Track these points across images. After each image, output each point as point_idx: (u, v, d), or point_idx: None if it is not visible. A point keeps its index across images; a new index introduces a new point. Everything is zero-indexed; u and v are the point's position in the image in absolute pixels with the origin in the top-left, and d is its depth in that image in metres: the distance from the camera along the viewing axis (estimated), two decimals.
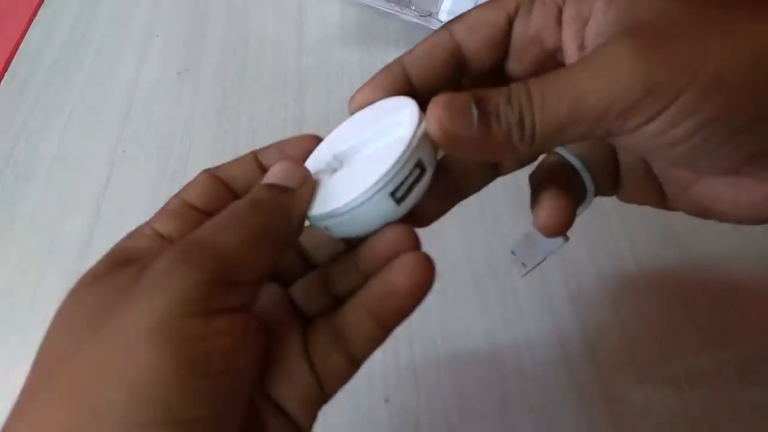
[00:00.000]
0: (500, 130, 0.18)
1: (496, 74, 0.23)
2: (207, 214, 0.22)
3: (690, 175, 0.21)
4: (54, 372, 0.18)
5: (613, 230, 0.40)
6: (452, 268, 0.39)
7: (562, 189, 0.22)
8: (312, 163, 0.23)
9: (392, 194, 0.20)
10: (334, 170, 0.22)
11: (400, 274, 0.21)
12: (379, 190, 0.20)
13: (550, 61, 0.21)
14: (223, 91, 0.50)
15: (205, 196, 0.23)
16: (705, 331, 0.36)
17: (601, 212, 0.41)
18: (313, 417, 0.21)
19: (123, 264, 0.20)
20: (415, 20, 0.50)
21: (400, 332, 0.36)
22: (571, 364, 0.35)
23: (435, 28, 0.51)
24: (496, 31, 0.21)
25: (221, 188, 0.23)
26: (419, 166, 0.20)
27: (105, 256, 0.21)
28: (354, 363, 0.22)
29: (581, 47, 0.20)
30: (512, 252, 0.26)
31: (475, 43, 0.21)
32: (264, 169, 0.23)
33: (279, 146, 0.24)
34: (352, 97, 0.23)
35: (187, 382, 0.16)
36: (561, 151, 0.24)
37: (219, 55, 0.53)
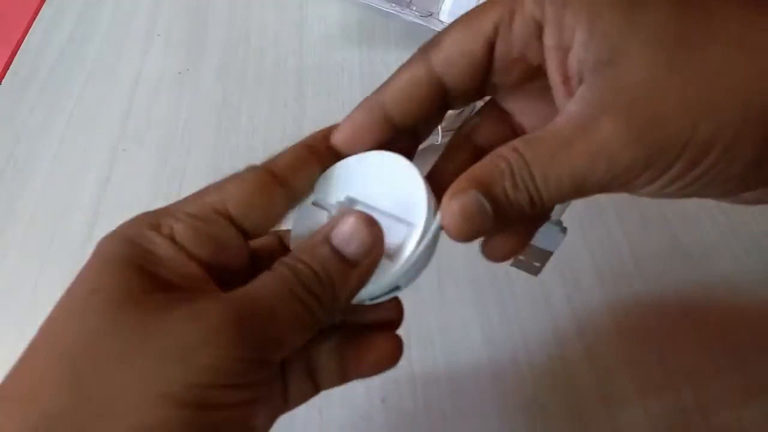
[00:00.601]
0: (514, 213, 0.19)
1: (479, 90, 0.22)
2: (238, 226, 0.21)
3: None
4: (73, 386, 0.17)
5: (611, 232, 0.40)
6: (450, 269, 0.39)
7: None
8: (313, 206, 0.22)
9: (397, 287, 0.21)
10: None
11: (372, 352, 0.23)
12: (391, 291, 0.21)
13: (537, 72, 0.21)
14: (224, 91, 0.50)
15: (247, 203, 0.21)
16: (704, 333, 0.36)
17: (600, 214, 0.41)
18: (271, 425, 0.22)
19: (148, 275, 0.18)
20: (416, 20, 0.50)
21: (398, 332, 0.36)
22: (569, 365, 0.35)
23: (436, 29, 0.51)
24: (476, 59, 0.21)
25: (275, 191, 0.21)
26: (428, 257, 0.21)
27: (117, 246, 0.19)
28: (317, 391, 0.24)
29: (566, 80, 0.20)
30: (515, 263, 0.26)
31: (455, 75, 0.21)
32: (319, 163, 0.22)
33: (327, 133, 0.23)
34: (333, 136, 0.23)
35: None
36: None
37: (220, 54, 0.53)
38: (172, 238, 0.20)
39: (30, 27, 0.56)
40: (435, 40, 0.21)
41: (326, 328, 0.23)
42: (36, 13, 0.58)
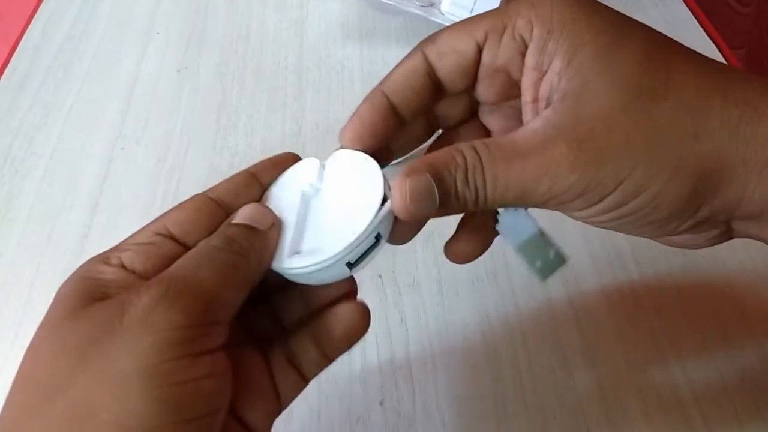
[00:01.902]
0: (458, 205, 0.21)
1: (467, 102, 0.25)
2: (182, 245, 0.22)
3: None
4: (39, 409, 0.18)
5: (611, 233, 0.40)
6: (450, 269, 0.39)
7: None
8: (280, 196, 0.24)
9: (348, 263, 0.23)
10: (300, 214, 0.24)
11: (339, 324, 0.24)
12: (338, 261, 0.22)
13: (516, 89, 0.23)
14: (223, 90, 0.50)
15: (187, 222, 0.23)
16: (704, 336, 0.36)
17: None
18: (270, 427, 0.23)
19: (96, 298, 0.20)
20: (417, 11, 0.50)
21: (397, 334, 0.36)
22: (569, 367, 0.35)
23: (436, 19, 0.51)
24: (465, 59, 0.23)
25: (211, 211, 0.23)
26: (377, 237, 0.23)
27: (69, 285, 0.21)
28: (306, 380, 0.25)
29: (535, 100, 0.22)
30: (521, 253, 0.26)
31: (446, 67, 0.23)
32: (262, 187, 0.24)
33: (271, 162, 0.25)
34: (342, 133, 0.24)
35: (176, 425, 0.18)
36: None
37: (219, 52, 0.53)
38: (120, 266, 0.21)
39: (28, 25, 0.56)
40: (432, 37, 0.23)
41: (296, 320, 0.25)
42: (35, 10, 0.57)
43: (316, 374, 0.25)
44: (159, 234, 0.22)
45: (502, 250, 0.40)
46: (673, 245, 0.23)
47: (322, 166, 0.24)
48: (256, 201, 0.24)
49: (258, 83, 0.51)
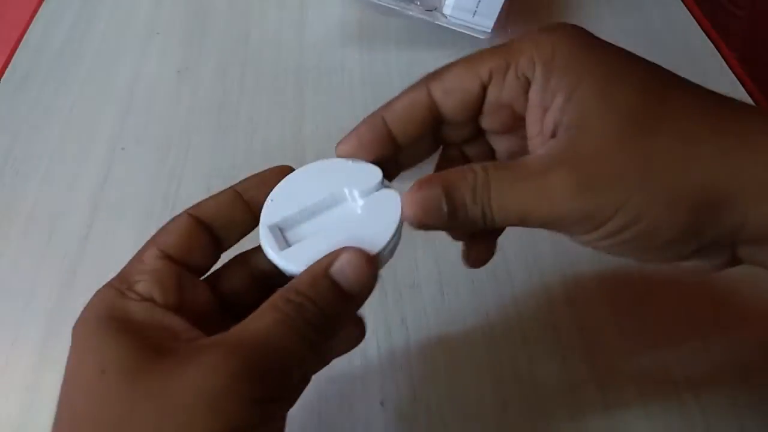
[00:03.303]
0: (467, 220, 0.22)
1: (472, 127, 0.25)
2: (185, 265, 0.23)
3: None
4: None
5: None
6: (449, 270, 0.39)
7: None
8: (283, 199, 0.24)
9: None
10: (304, 218, 0.24)
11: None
12: None
13: (520, 121, 0.24)
14: (223, 90, 0.50)
15: (182, 245, 0.23)
16: (704, 333, 0.36)
17: None
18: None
19: (147, 345, 0.20)
20: (420, 15, 0.50)
21: (397, 334, 0.36)
22: (569, 366, 0.35)
23: (439, 23, 0.51)
24: (471, 96, 0.23)
25: (200, 232, 0.24)
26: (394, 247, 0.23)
27: (105, 333, 0.21)
28: (306, 380, 0.24)
29: (540, 133, 0.23)
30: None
31: (450, 104, 0.24)
32: (246, 203, 0.24)
33: (259, 178, 0.25)
34: (339, 146, 0.24)
35: None
36: None
37: (219, 53, 0.53)
38: (141, 299, 0.22)
39: (29, 25, 0.56)
40: (438, 72, 0.24)
41: None
42: (35, 11, 0.58)
43: (315, 372, 0.25)
44: (160, 258, 0.23)
45: (502, 250, 0.40)
46: (682, 271, 0.24)
47: (382, 184, 0.24)
48: (240, 221, 0.24)
49: (258, 84, 0.51)
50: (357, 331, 0.26)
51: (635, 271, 0.38)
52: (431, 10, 0.50)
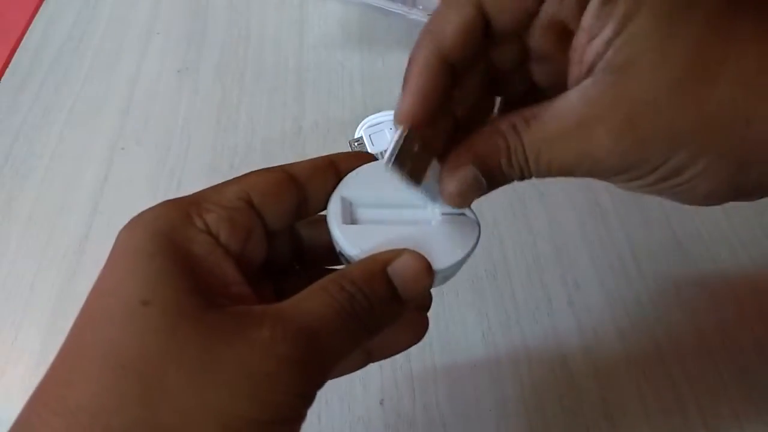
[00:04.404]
0: (504, 181, 0.22)
1: (519, 48, 0.22)
2: (260, 216, 0.21)
3: None
4: (143, 405, 0.17)
5: (612, 233, 0.40)
6: None
7: None
8: (366, 179, 0.23)
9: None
10: (378, 206, 0.23)
11: (402, 338, 0.25)
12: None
13: (569, 41, 0.21)
14: (223, 90, 0.50)
15: (270, 195, 0.21)
16: (703, 334, 0.36)
17: (600, 214, 0.41)
18: None
19: (199, 288, 0.18)
20: (422, 19, 0.50)
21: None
22: (568, 367, 0.35)
23: None
24: (525, 3, 0.21)
25: (291, 189, 0.22)
26: None
27: (157, 245, 0.19)
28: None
29: (579, 62, 0.20)
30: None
31: (503, 12, 0.21)
32: (339, 176, 0.23)
33: (354, 156, 0.24)
34: (398, 112, 0.21)
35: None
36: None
37: (219, 53, 0.53)
38: (207, 231, 0.20)
39: (29, 25, 0.56)
40: None
41: None
42: (35, 11, 0.57)
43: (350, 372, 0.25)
44: (241, 199, 0.21)
45: (502, 251, 0.40)
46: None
47: (466, 210, 0.23)
48: (328, 189, 0.23)
49: (258, 83, 0.51)
50: (418, 328, 0.25)
51: (635, 271, 0.38)
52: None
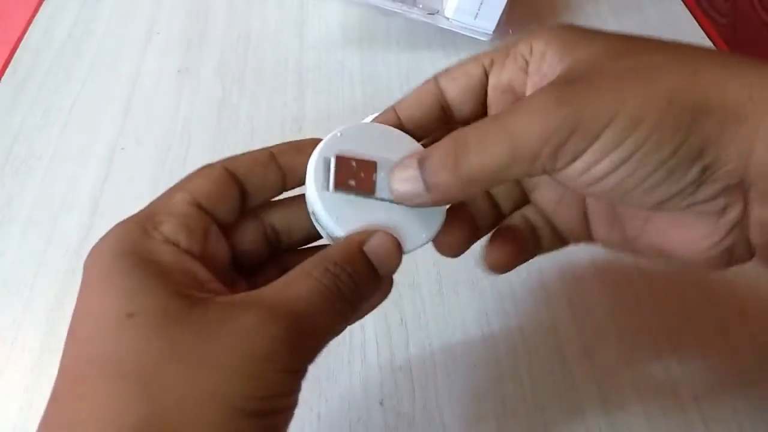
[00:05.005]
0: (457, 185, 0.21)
1: (479, 115, 0.25)
2: (214, 217, 0.22)
3: (642, 215, 0.23)
4: (138, 399, 0.18)
5: None
6: (449, 270, 0.39)
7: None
8: (348, 140, 0.24)
9: None
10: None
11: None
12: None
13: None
14: (223, 90, 0.50)
15: (214, 194, 0.22)
16: (703, 334, 0.36)
17: None
18: None
19: (175, 291, 0.19)
20: (422, 18, 0.50)
21: (397, 334, 0.36)
22: (568, 366, 0.35)
23: (441, 26, 0.52)
24: (474, 80, 0.24)
25: (232, 185, 0.23)
26: None
27: (124, 263, 0.20)
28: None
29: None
30: None
31: (455, 89, 0.24)
32: (281, 168, 0.24)
33: (296, 145, 0.25)
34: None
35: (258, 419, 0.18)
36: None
37: (219, 53, 0.53)
38: (166, 241, 0.21)
39: (29, 25, 0.56)
40: (445, 69, 0.25)
41: None
42: (35, 10, 0.58)
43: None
44: (190, 204, 0.22)
45: None
46: (701, 260, 0.22)
47: None
48: (272, 182, 0.24)
49: (258, 83, 0.51)
50: (384, 290, 0.26)
51: (635, 271, 0.38)
52: (433, 13, 0.50)
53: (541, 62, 0.22)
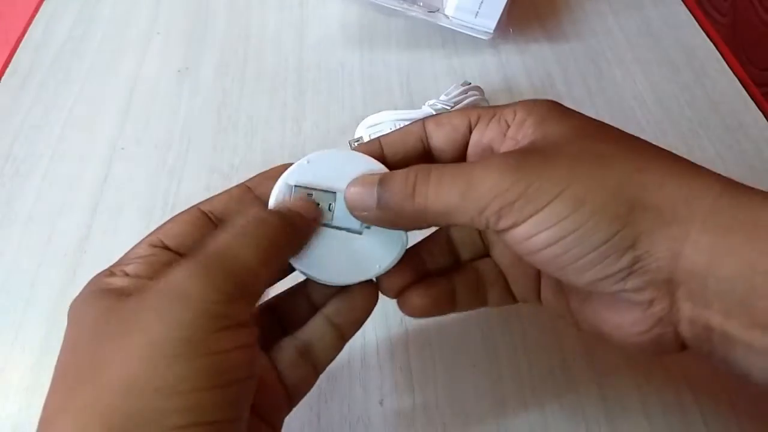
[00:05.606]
0: (401, 208, 0.23)
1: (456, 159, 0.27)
2: (180, 255, 0.23)
3: (583, 292, 0.24)
4: (82, 386, 0.19)
5: None
6: None
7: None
8: (312, 167, 0.26)
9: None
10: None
11: (357, 303, 0.27)
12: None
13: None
14: (223, 90, 0.50)
15: (181, 234, 0.24)
16: None
17: None
18: (281, 426, 0.25)
19: (117, 294, 0.21)
20: (423, 16, 0.50)
21: (397, 334, 0.36)
22: (568, 366, 0.35)
23: (441, 24, 0.52)
24: (458, 132, 0.26)
25: (205, 224, 0.25)
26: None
27: (85, 302, 0.22)
28: (316, 373, 0.26)
29: None
30: None
31: (439, 136, 0.26)
32: (257, 198, 0.26)
33: (268, 174, 0.26)
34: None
35: (215, 391, 0.19)
36: None
37: (219, 53, 0.53)
38: (126, 275, 0.22)
39: (29, 25, 0.56)
40: (435, 115, 0.27)
41: (304, 315, 0.27)
42: (35, 10, 0.58)
43: (329, 361, 0.26)
44: (155, 246, 0.23)
45: None
46: (631, 344, 0.23)
47: None
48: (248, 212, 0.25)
49: (258, 83, 0.51)
50: (369, 291, 0.27)
51: None
52: (433, 12, 0.50)
53: (519, 129, 0.24)
